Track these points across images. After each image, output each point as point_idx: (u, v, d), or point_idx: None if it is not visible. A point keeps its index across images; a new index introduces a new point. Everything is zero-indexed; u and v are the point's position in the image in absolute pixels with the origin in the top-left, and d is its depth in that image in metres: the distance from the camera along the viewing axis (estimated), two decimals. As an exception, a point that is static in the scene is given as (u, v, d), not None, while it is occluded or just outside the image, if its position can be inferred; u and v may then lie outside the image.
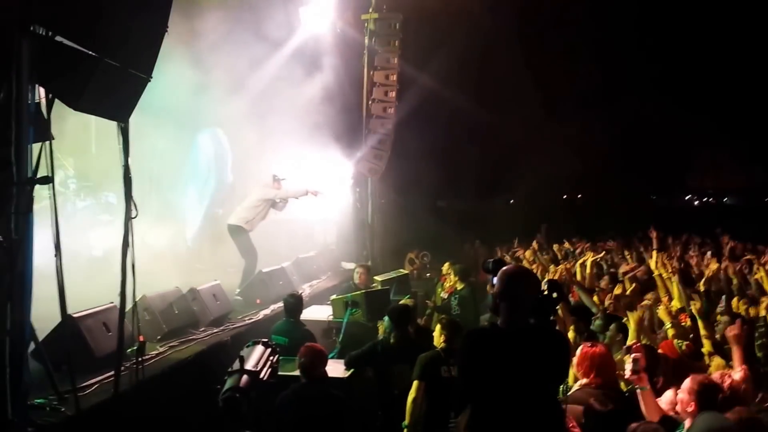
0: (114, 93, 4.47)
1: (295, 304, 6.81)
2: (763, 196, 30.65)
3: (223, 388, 3.50)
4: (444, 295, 9.18)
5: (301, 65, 11.83)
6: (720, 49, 21.34)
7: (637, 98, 21.30)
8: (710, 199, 31.89)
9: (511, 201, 25.22)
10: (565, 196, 27.94)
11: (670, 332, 5.43)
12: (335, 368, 5.88)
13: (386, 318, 6.11)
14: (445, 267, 9.93)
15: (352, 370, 6.02)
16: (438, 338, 5.53)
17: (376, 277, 9.15)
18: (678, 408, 3.84)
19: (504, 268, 3.67)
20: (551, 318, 3.69)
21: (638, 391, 4.06)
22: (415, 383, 5.32)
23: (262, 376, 3.66)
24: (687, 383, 3.87)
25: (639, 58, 21.19)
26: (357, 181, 13.52)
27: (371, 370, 6.07)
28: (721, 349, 5.00)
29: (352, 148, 12.92)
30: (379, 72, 13.42)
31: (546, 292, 3.60)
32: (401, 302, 6.92)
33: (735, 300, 6.80)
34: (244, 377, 3.56)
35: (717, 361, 4.85)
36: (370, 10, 13.18)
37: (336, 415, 4.92)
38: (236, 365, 3.65)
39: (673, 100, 21.68)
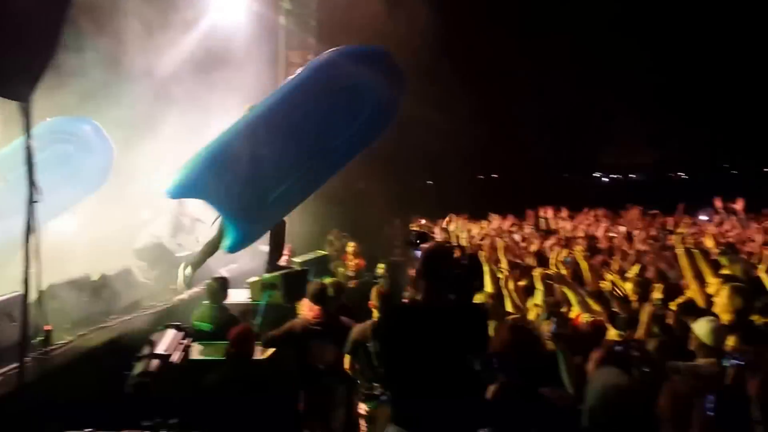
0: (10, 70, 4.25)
1: (218, 288, 6.72)
2: (668, 170, 32.22)
3: (131, 373, 3.45)
4: (351, 273, 9.26)
5: (214, 46, 11.54)
6: (632, 25, 22.03)
7: (550, 77, 21.80)
8: (619, 176, 33.17)
9: (428, 182, 25.52)
10: (481, 176, 28.51)
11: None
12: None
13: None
14: (350, 247, 10.01)
15: (271, 350, 6.04)
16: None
17: (294, 259, 9.13)
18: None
19: (424, 246, 3.80)
20: (472, 292, 3.85)
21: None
22: (346, 356, 5.62)
23: (173, 359, 3.63)
24: (594, 353, 4.10)
25: (549, 33, 21.51)
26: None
27: (291, 349, 6.12)
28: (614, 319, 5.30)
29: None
30: (295, 52, 13.29)
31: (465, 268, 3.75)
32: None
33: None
34: (154, 361, 3.52)
35: (612, 331, 5.14)
36: (286, -11, 13.02)
37: (262, 396, 4.96)
38: (146, 350, 3.61)
39: (582, 77, 22.34)
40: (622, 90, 23.57)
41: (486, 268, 5.96)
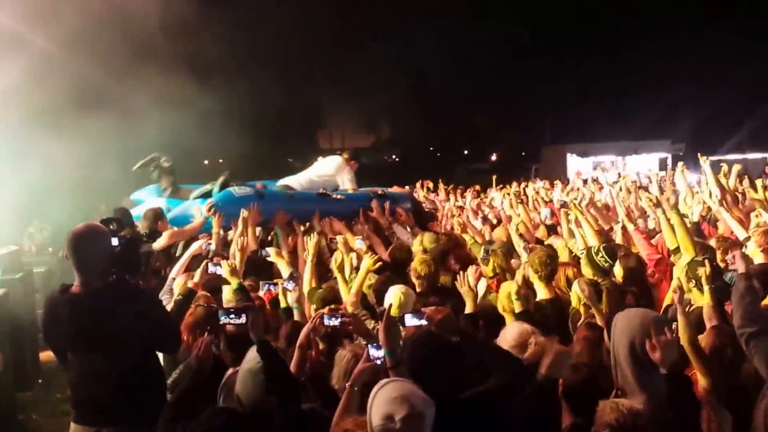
0: None
1: None
2: (386, 154, 34.64)
3: None
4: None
5: None
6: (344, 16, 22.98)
7: (267, 68, 21.91)
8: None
9: (134, 168, 24.18)
10: (206, 161, 27.92)
11: None
12: None
13: None
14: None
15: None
16: None
17: (-27, 257, 8.00)
18: None
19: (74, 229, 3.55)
20: (139, 272, 3.68)
21: None
22: None
23: None
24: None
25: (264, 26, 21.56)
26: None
27: None
28: None
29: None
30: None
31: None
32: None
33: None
34: None
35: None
36: None
37: None
38: None
39: (305, 66, 22.85)
40: (339, 81, 24.67)
41: None
